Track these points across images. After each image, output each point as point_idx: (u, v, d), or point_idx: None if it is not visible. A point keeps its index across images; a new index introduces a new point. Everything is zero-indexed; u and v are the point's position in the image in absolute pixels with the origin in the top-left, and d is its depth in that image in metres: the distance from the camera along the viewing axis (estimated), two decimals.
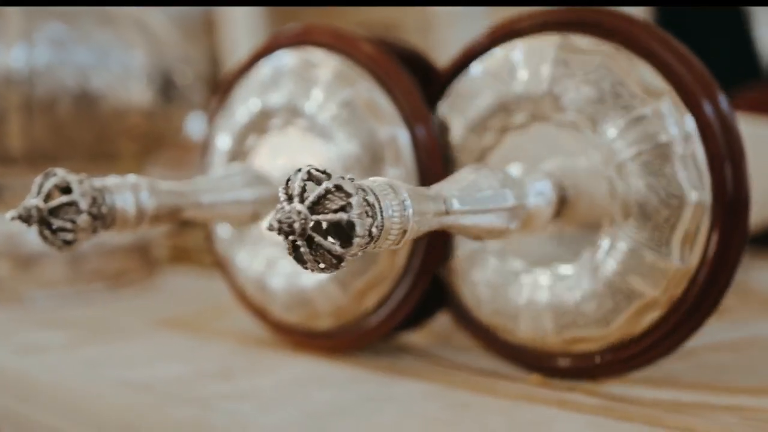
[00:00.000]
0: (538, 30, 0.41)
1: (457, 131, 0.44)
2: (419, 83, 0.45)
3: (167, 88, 0.67)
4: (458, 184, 0.34)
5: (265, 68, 0.50)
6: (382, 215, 0.28)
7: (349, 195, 0.27)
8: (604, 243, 0.40)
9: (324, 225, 0.27)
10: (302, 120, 0.47)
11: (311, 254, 0.27)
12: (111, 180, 0.39)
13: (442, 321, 0.54)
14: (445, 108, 0.45)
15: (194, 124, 0.86)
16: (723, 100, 0.38)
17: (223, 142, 0.51)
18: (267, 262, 0.50)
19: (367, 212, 0.28)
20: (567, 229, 0.41)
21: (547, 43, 0.41)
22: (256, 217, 0.45)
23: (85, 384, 0.46)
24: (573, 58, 0.40)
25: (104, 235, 0.41)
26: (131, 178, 0.40)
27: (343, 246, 0.27)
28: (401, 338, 0.52)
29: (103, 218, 0.38)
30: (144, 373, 0.47)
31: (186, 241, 0.83)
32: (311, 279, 0.47)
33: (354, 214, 0.27)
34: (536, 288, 0.42)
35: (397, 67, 0.45)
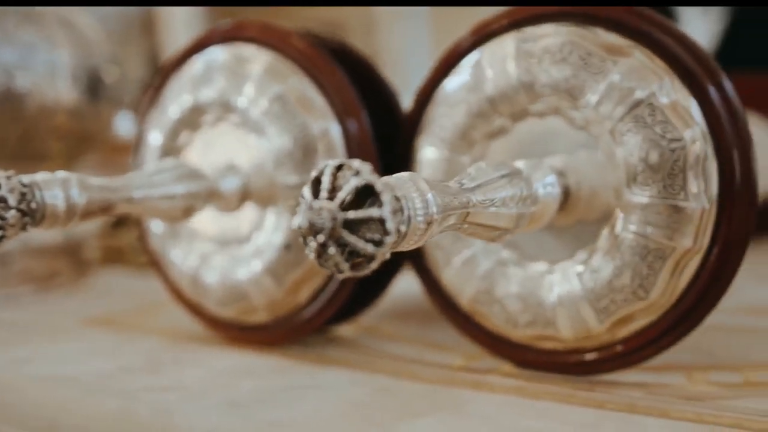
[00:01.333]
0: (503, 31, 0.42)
1: (440, 154, 0.43)
2: (351, 78, 0.46)
3: (94, 87, 0.67)
4: (470, 178, 0.33)
5: (196, 64, 0.50)
6: (408, 211, 0.27)
7: (379, 192, 0.26)
8: (599, 248, 0.39)
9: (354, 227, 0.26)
10: (234, 115, 0.48)
11: (341, 256, 0.26)
12: (40, 176, 0.39)
13: (370, 313, 0.56)
14: (424, 139, 0.44)
15: (123, 123, 0.85)
16: (727, 84, 0.37)
17: (155, 138, 0.51)
18: (201, 257, 0.50)
19: (396, 207, 0.27)
20: (569, 222, 0.40)
21: (506, 40, 0.41)
22: (189, 212, 0.45)
23: (10, 381, 0.46)
24: (534, 45, 0.40)
25: (34, 235, 0.40)
26: (61, 173, 0.40)
27: (375, 243, 0.26)
28: (331, 330, 0.53)
29: (32, 214, 0.38)
30: (70, 369, 0.47)
31: (119, 242, 0.83)
32: (246, 273, 0.48)
33: (386, 211, 0.26)
34: (521, 281, 0.41)
35: (329, 61, 0.46)
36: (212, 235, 0.50)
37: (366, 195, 0.26)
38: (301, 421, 0.38)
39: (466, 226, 0.32)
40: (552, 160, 0.39)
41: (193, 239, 0.51)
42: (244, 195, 0.47)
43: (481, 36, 0.42)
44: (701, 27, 1.07)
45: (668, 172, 0.37)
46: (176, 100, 0.50)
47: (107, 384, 0.44)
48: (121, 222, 0.81)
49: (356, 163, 0.26)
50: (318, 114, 0.46)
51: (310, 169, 0.45)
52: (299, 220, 0.26)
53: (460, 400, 0.39)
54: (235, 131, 0.48)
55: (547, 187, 0.37)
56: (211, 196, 0.46)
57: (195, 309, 0.52)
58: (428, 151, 0.43)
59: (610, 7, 0.39)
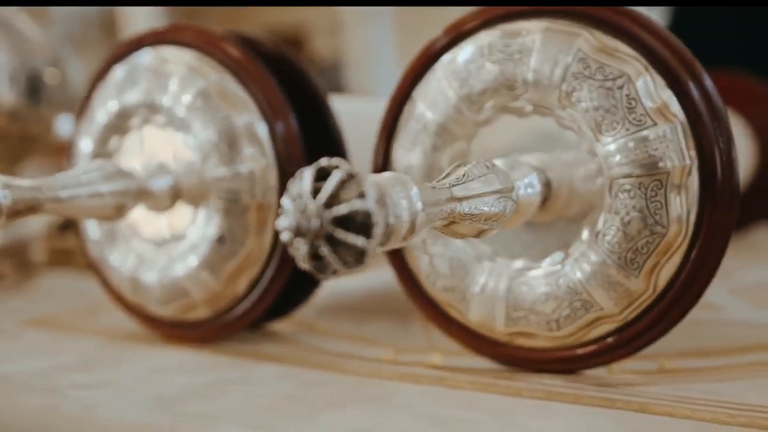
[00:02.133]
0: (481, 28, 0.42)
1: (449, 101, 0.42)
2: (284, 81, 0.47)
3: (35, 89, 0.67)
4: (452, 176, 0.33)
5: (120, 70, 0.51)
6: (394, 206, 0.27)
7: (362, 184, 0.26)
8: (577, 249, 0.39)
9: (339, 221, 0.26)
10: (160, 115, 0.48)
11: (332, 252, 0.26)
12: None
13: (305, 309, 0.56)
14: (401, 140, 0.44)
15: (67, 126, 0.85)
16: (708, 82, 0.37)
17: (86, 145, 0.52)
18: (139, 257, 0.51)
19: (381, 199, 0.26)
20: (542, 224, 0.41)
21: (489, 35, 0.41)
22: (120, 210, 0.46)
23: None
24: (454, 63, 0.41)
25: None
26: None
27: (365, 235, 0.26)
28: (267, 327, 0.53)
29: None
30: (4, 369, 0.47)
31: (67, 244, 0.82)
32: (183, 269, 0.48)
33: (371, 203, 0.26)
34: (497, 276, 0.42)
35: (258, 65, 0.47)
36: (149, 236, 0.50)
37: (349, 192, 0.26)
38: (225, 413, 0.38)
39: (448, 223, 0.32)
40: (530, 158, 0.40)
41: (130, 241, 0.51)
42: (176, 194, 0.48)
43: (456, 35, 0.43)
44: None
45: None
46: (103, 106, 0.51)
47: (39, 382, 0.44)
48: (69, 224, 0.81)
49: (335, 160, 0.26)
50: (242, 108, 0.47)
51: (236, 160, 0.46)
52: (285, 224, 0.26)
53: (385, 391, 0.40)
54: (162, 132, 0.49)
55: (527, 187, 0.37)
56: (141, 195, 0.46)
57: (137, 311, 0.53)
58: (410, 158, 0.43)
59: (595, 7, 0.39)
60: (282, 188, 0.46)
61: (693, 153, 0.37)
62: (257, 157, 0.46)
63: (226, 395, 0.41)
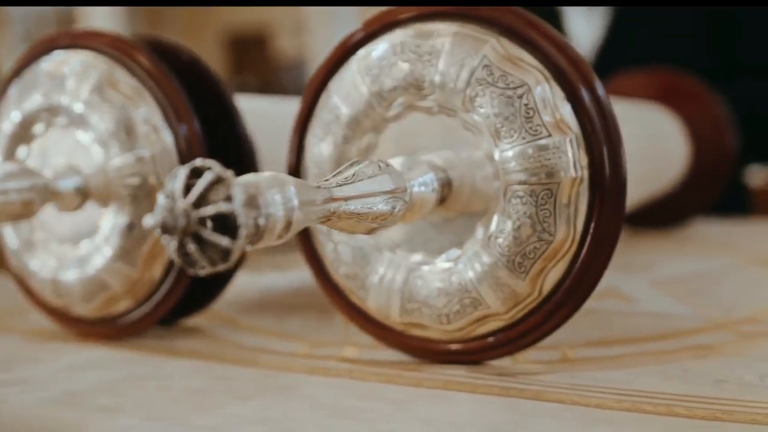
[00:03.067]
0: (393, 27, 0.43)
1: (361, 95, 0.43)
2: (192, 87, 0.48)
3: None
4: (340, 176, 0.34)
5: (18, 83, 0.52)
6: (266, 206, 0.28)
7: (230, 186, 0.27)
8: (471, 248, 0.40)
9: (209, 222, 0.27)
10: (61, 117, 0.49)
11: (199, 250, 0.27)
12: None
13: (229, 305, 0.57)
14: (351, 71, 0.44)
15: None
16: (600, 87, 0.38)
17: None
18: (58, 259, 0.51)
19: (251, 203, 0.27)
20: (445, 220, 0.42)
21: (403, 34, 0.42)
22: (28, 208, 0.46)
23: None
24: (368, 58, 0.42)
25: None
26: None
27: (230, 236, 0.27)
28: (187, 322, 0.54)
29: None
30: None
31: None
32: (100, 262, 0.49)
33: (238, 204, 0.27)
34: (395, 268, 0.42)
35: (163, 71, 0.48)
36: (65, 236, 0.51)
37: (218, 194, 0.27)
38: (130, 407, 0.39)
39: (334, 220, 0.33)
40: (431, 156, 0.40)
41: (48, 245, 0.52)
42: (84, 193, 0.48)
43: (372, 31, 0.43)
44: (585, 26, 1.11)
45: (523, 117, 0.38)
46: (7, 118, 0.52)
47: None
48: None
49: (209, 162, 0.27)
50: (140, 101, 0.48)
51: (136, 145, 0.47)
52: (152, 221, 0.27)
53: (292, 383, 0.41)
54: (65, 134, 0.50)
55: (422, 185, 0.37)
56: (49, 194, 0.47)
57: (61, 314, 0.53)
58: (321, 147, 0.44)
59: (488, 6, 0.40)
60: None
61: (585, 164, 0.38)
62: (155, 141, 0.47)
63: (135, 390, 0.41)
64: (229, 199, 0.27)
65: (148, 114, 0.48)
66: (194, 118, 0.47)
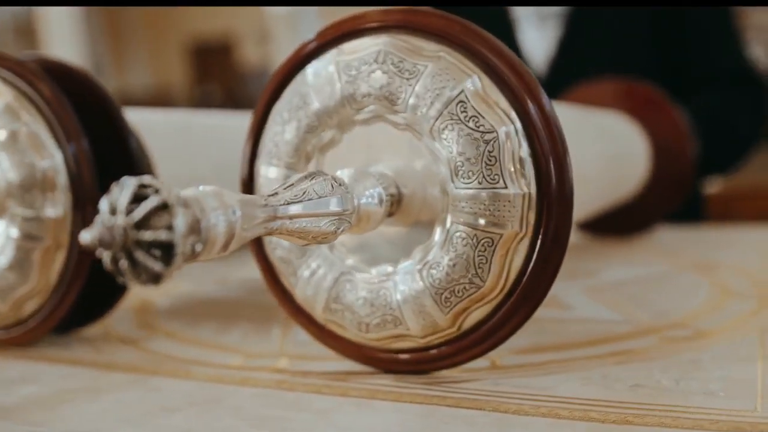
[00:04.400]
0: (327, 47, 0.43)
1: (279, 172, 0.44)
2: (83, 105, 0.49)
3: None
4: (290, 192, 0.34)
5: None
6: (207, 230, 0.28)
7: (174, 214, 0.27)
8: (403, 269, 0.41)
9: (145, 245, 0.27)
10: None
11: (131, 269, 0.27)
12: None
13: (167, 318, 0.57)
14: (263, 159, 0.45)
15: None
16: (546, 100, 0.39)
17: None
18: None
19: (193, 230, 0.27)
20: (406, 224, 0.42)
21: (390, 43, 0.41)
22: None
23: None
24: (351, 57, 0.41)
25: None
26: None
27: (163, 263, 0.27)
28: (126, 333, 0.54)
29: None
30: None
31: None
32: None
33: (178, 235, 0.27)
34: (329, 266, 0.43)
35: (51, 89, 0.49)
36: None
37: (160, 220, 0.27)
38: (58, 421, 0.39)
39: (275, 234, 0.33)
40: (383, 167, 0.41)
41: None
42: None
43: (300, 58, 0.44)
44: (537, 39, 1.12)
45: (485, 163, 0.38)
46: None
47: None
48: None
49: (156, 181, 0.27)
50: (46, 153, 0.49)
51: (35, 205, 0.48)
52: (90, 235, 0.27)
53: (221, 395, 0.42)
54: None
55: (368, 197, 0.38)
56: None
57: None
58: (269, 171, 0.44)
59: (477, 40, 0.40)
60: (75, 212, 0.48)
61: (531, 222, 0.38)
62: (57, 205, 0.48)
63: (67, 404, 0.42)
64: (170, 227, 0.27)
65: (36, 131, 0.48)
66: (83, 138, 0.48)
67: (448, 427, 0.35)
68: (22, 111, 0.49)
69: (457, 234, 0.39)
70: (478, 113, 0.38)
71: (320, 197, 0.34)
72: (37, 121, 0.49)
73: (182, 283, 0.73)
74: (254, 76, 7.05)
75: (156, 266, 0.27)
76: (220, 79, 7.30)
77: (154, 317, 0.60)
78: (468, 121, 0.38)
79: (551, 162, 0.38)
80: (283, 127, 0.43)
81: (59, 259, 0.49)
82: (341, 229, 0.35)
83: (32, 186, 0.48)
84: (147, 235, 0.27)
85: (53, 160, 0.48)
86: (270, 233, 0.33)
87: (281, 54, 6.12)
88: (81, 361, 0.49)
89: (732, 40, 1.09)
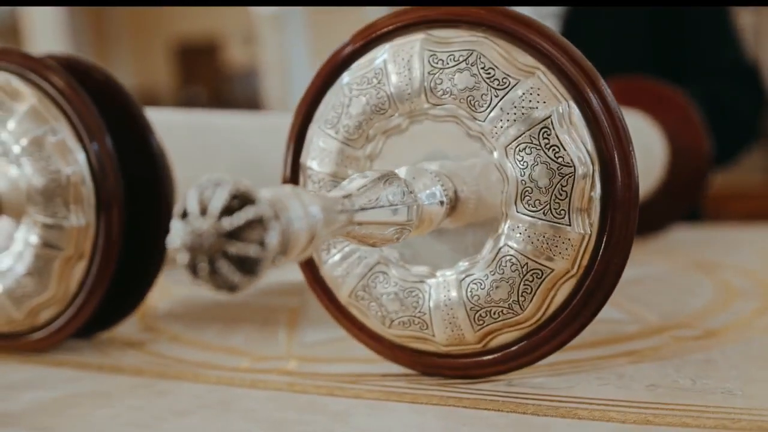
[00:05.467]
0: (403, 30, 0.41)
1: (334, 144, 0.42)
2: (107, 104, 0.49)
3: None
4: (364, 197, 0.32)
5: None
6: (289, 242, 0.26)
7: (268, 229, 0.25)
8: (443, 277, 0.40)
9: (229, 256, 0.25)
10: None
11: (209, 276, 0.25)
12: None
13: (171, 321, 0.57)
14: (317, 126, 0.43)
15: None
16: (633, 157, 0.37)
17: None
18: None
19: (282, 245, 0.26)
20: (458, 226, 0.40)
21: (413, 40, 0.40)
22: None
23: None
24: (440, 48, 0.39)
25: None
26: None
27: (245, 275, 0.25)
28: (131, 336, 0.54)
29: None
30: None
31: None
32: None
33: (268, 253, 0.25)
34: (367, 251, 0.42)
35: (74, 88, 0.48)
36: None
37: (256, 234, 0.25)
38: (67, 425, 0.38)
39: (350, 236, 0.32)
40: (440, 167, 0.39)
41: None
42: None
43: (376, 35, 0.42)
44: None
45: (554, 196, 0.37)
46: None
47: None
48: None
49: (253, 192, 0.25)
50: (71, 159, 0.48)
51: (58, 214, 0.47)
52: (180, 239, 0.25)
53: (232, 398, 0.41)
54: None
55: (430, 198, 0.36)
56: None
57: None
58: (323, 140, 0.42)
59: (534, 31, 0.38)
60: (99, 217, 0.48)
61: (584, 264, 0.37)
62: (80, 215, 0.47)
63: (73, 408, 0.41)
64: (262, 243, 0.25)
65: (63, 138, 0.48)
66: (106, 136, 0.48)
67: (468, 428, 0.35)
68: (48, 115, 0.48)
69: (508, 257, 0.38)
70: (560, 144, 0.37)
71: (391, 205, 0.33)
72: (61, 123, 0.48)
73: (181, 285, 0.72)
74: (241, 77, 7.03)
75: (236, 278, 0.25)
76: (206, 80, 7.28)
77: (157, 320, 0.60)
78: (548, 150, 0.37)
79: (618, 210, 0.37)
80: (350, 99, 0.41)
81: (80, 269, 0.48)
82: (403, 237, 0.34)
83: (56, 194, 0.47)
84: (236, 248, 0.25)
85: (78, 165, 0.47)
86: (346, 233, 0.32)
87: (268, 55, 6.12)
88: (87, 364, 0.49)
89: (730, 37, 1.10)
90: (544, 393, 0.39)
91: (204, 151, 0.59)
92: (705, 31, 1.08)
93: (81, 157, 0.47)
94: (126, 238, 0.49)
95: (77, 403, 0.42)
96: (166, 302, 0.66)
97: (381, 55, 0.41)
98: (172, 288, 0.71)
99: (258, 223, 0.25)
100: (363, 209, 0.32)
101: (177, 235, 0.25)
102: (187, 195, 0.25)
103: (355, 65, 0.42)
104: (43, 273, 0.48)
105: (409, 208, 0.34)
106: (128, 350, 0.51)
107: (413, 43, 0.40)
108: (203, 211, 0.25)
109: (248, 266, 0.25)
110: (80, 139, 0.48)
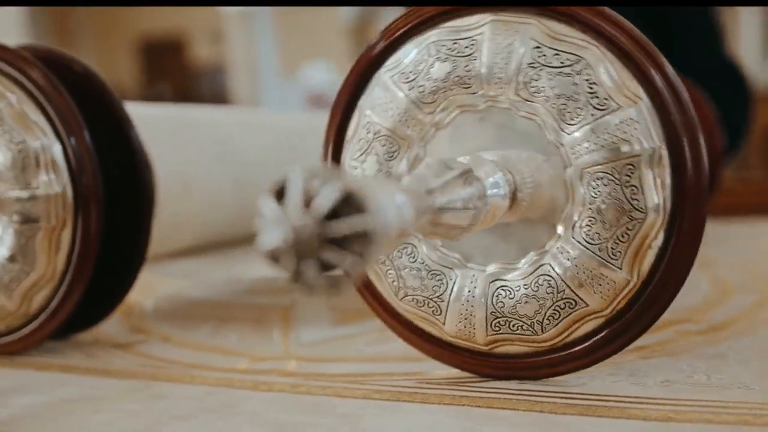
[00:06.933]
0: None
1: (403, 100, 0.39)
2: (85, 99, 0.47)
3: None
4: (445, 196, 0.30)
5: None
6: (380, 245, 0.23)
7: (371, 242, 0.22)
8: (552, 246, 0.37)
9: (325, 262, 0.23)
10: None
11: (291, 271, 0.23)
12: None
13: (160, 322, 0.55)
14: (389, 75, 0.40)
15: None
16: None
17: None
18: None
19: (379, 219, 0.23)
20: (512, 225, 0.38)
21: (523, 22, 0.37)
22: None
23: None
24: (552, 41, 0.36)
25: None
26: None
27: (330, 286, 0.23)
28: (118, 338, 0.52)
29: None
30: None
31: None
32: None
33: (361, 266, 0.22)
34: (471, 280, 0.39)
35: (52, 83, 0.46)
36: None
37: (360, 245, 0.23)
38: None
39: (429, 227, 0.30)
40: (501, 158, 0.36)
41: None
42: None
43: (395, 38, 0.40)
44: None
45: (615, 236, 0.36)
46: None
47: None
48: None
49: (360, 201, 0.23)
50: (38, 131, 0.46)
51: (32, 184, 0.45)
52: (274, 238, 0.22)
53: (233, 400, 0.39)
54: None
55: (494, 189, 0.34)
56: None
57: None
58: (389, 93, 0.40)
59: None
60: (77, 202, 0.46)
61: (660, 132, 0.35)
62: (53, 182, 0.45)
63: (66, 415, 0.39)
64: (362, 255, 0.23)
65: (23, 110, 0.46)
66: (84, 130, 0.46)
67: (487, 428, 0.34)
68: (4, 89, 0.46)
69: (547, 278, 0.37)
70: (641, 186, 0.35)
71: (466, 209, 0.31)
72: (24, 101, 0.46)
73: (162, 284, 0.70)
74: (207, 74, 6.95)
75: (319, 284, 0.23)
76: (172, 78, 7.19)
77: (143, 320, 0.58)
78: (626, 188, 0.35)
79: (671, 274, 0.36)
80: (434, 61, 0.38)
81: (65, 240, 0.46)
82: (465, 234, 0.32)
83: (25, 165, 0.45)
84: (333, 255, 0.22)
85: (47, 138, 0.45)
86: (427, 224, 0.30)
87: (235, 52, 6.06)
88: (75, 368, 0.47)
89: (716, 37, 1.10)
90: (557, 390, 0.38)
91: (183, 145, 0.58)
92: (689, 33, 1.09)
93: (56, 146, 0.46)
94: (105, 233, 0.47)
95: (69, 409, 0.40)
96: (150, 300, 0.64)
97: (481, 25, 0.37)
98: (155, 284, 0.69)
99: (363, 236, 0.22)
100: (442, 210, 0.30)
101: (271, 217, 0.23)
102: (289, 178, 0.23)
103: (447, 25, 0.38)
104: (27, 251, 0.46)
105: (479, 211, 0.32)
106: (116, 352, 0.50)
107: (522, 26, 0.37)
108: (307, 203, 0.22)
109: (336, 276, 0.23)
110: (57, 134, 0.46)
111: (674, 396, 0.36)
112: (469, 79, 0.37)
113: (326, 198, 0.22)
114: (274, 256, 0.23)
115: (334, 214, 0.22)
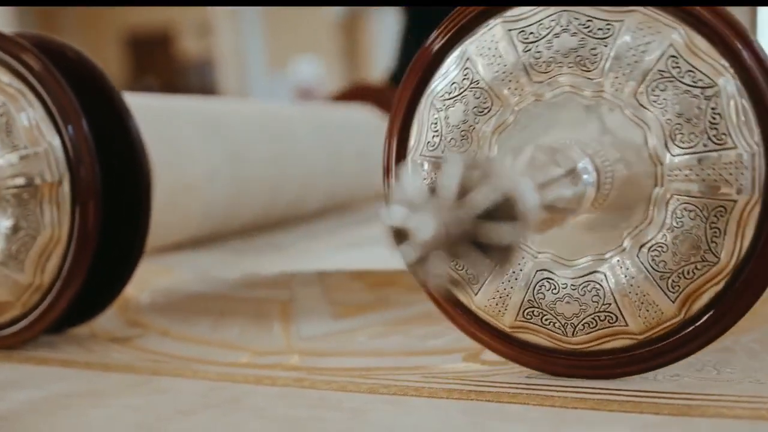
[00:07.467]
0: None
1: (513, 57, 0.37)
2: (79, 86, 0.46)
3: None
4: (552, 193, 0.28)
5: None
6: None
7: (512, 253, 0.21)
8: (614, 258, 0.36)
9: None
10: None
11: (417, 263, 0.22)
12: None
13: (159, 315, 0.54)
14: (505, 27, 0.37)
15: None
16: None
17: None
18: None
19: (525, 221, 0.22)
20: (578, 222, 0.36)
21: (670, 26, 0.34)
22: None
23: None
24: (690, 55, 0.34)
25: None
26: None
27: (451, 283, 0.22)
28: (115, 332, 0.51)
29: None
30: None
31: None
32: None
33: (490, 274, 0.23)
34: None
35: (50, 70, 0.45)
36: None
37: (501, 218, 0.21)
38: (66, 429, 0.36)
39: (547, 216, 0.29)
40: (584, 146, 0.34)
41: None
42: None
43: (454, 33, 0.38)
44: None
45: (680, 270, 0.35)
46: None
47: None
48: None
49: (486, 162, 0.22)
50: (23, 101, 0.45)
51: (19, 145, 0.45)
52: (424, 228, 0.21)
53: (237, 395, 0.39)
54: None
55: (584, 172, 0.32)
56: None
57: None
58: (503, 45, 0.37)
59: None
60: (74, 185, 0.45)
61: (763, 184, 0.33)
62: (39, 139, 0.45)
63: (67, 409, 0.38)
64: (497, 264, 0.22)
65: (32, 114, 0.45)
66: (82, 118, 0.45)
67: (497, 424, 0.33)
68: (18, 95, 0.45)
69: (682, 206, 0.34)
70: (694, 67, 0.33)
71: (568, 210, 0.30)
72: (32, 104, 0.45)
73: (158, 276, 0.69)
74: (195, 68, 6.92)
75: (443, 283, 0.22)
76: (159, 71, 7.15)
77: (140, 313, 0.57)
78: (683, 77, 0.33)
79: None
80: (561, 31, 0.36)
81: (65, 195, 0.45)
82: (584, 199, 0.31)
83: (9, 128, 0.45)
84: (470, 257, 0.21)
85: (31, 108, 0.45)
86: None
87: (223, 46, 6.03)
88: (73, 362, 0.46)
89: None
90: (566, 385, 0.37)
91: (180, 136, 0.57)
92: None
93: (55, 139, 0.45)
94: (103, 225, 0.46)
95: (69, 404, 0.39)
96: (146, 293, 0.63)
97: (623, 12, 0.35)
98: (150, 278, 0.68)
99: (508, 248, 0.21)
100: (546, 208, 0.28)
101: (419, 202, 0.22)
102: (447, 164, 0.22)
103: None
104: (29, 215, 0.45)
105: (576, 211, 0.31)
106: (114, 346, 0.49)
107: (667, 29, 0.34)
108: (461, 195, 0.21)
109: (462, 275, 0.22)
110: (54, 123, 0.45)
111: (685, 390, 0.36)
112: (592, 63, 0.35)
113: (484, 197, 0.21)
114: (411, 241, 0.21)
115: (489, 217, 0.21)
